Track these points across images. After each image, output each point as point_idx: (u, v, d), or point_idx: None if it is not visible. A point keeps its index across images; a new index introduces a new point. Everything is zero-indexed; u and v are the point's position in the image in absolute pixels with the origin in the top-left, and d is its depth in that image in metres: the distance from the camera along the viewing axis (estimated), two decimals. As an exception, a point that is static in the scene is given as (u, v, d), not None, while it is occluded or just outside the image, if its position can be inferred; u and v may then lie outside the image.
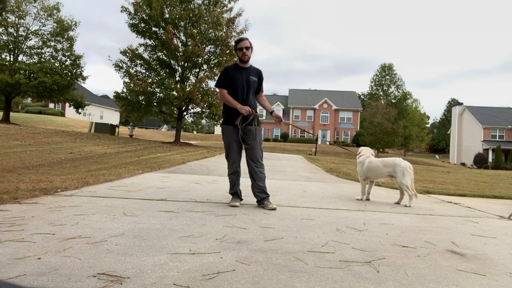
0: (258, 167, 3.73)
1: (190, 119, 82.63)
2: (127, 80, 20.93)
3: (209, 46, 21.56)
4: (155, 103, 21.95)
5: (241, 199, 3.81)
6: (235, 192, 3.79)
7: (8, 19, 23.11)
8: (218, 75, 3.78)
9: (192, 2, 21.11)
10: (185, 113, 22.82)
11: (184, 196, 4.01)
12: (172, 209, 3.24)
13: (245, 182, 4.03)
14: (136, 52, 21.04)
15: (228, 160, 3.83)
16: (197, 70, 22.04)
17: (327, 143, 51.93)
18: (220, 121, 22.22)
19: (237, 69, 3.75)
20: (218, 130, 65.24)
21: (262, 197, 3.66)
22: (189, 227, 2.60)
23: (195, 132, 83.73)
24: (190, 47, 19.75)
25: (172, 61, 21.53)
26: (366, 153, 4.82)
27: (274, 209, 3.52)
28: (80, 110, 27.85)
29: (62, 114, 47.77)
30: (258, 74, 3.84)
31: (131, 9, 20.50)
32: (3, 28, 23.30)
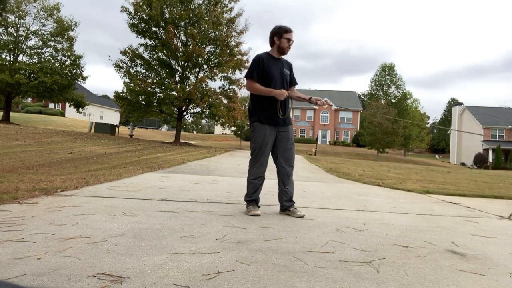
0: (291, 172, 3.44)
1: (190, 119, 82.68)
2: (127, 80, 20.96)
3: (209, 46, 21.57)
4: (155, 103, 21.97)
5: (259, 206, 3.39)
6: (255, 200, 3.35)
7: (8, 19, 23.10)
8: (250, 64, 3.36)
9: (192, 2, 21.12)
10: (185, 113, 22.83)
11: (184, 196, 4.01)
12: (172, 209, 3.23)
13: (242, 182, 4.01)
14: (136, 52, 21.06)
15: (254, 162, 3.35)
16: (197, 70, 22.05)
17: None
18: (221, 121, 22.28)
19: (271, 60, 3.35)
20: (218, 130, 65.19)
21: (289, 205, 3.35)
22: (189, 227, 2.60)
23: (195, 132, 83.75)
24: (190, 47, 19.76)
25: (172, 61, 21.56)
26: None
27: (302, 216, 3.20)
28: (80, 110, 27.84)
29: (62, 114, 47.77)
30: (290, 67, 3.52)
31: (131, 9, 20.53)
32: (3, 28, 23.29)
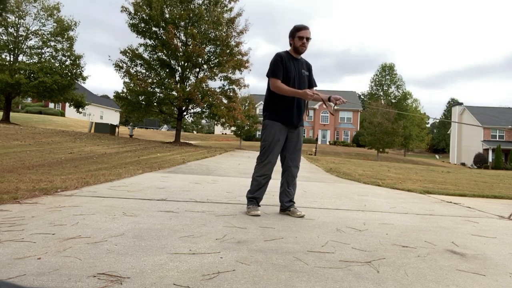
0: (296, 173, 3.41)
1: (190, 119, 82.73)
2: (127, 80, 20.95)
3: (209, 46, 21.57)
4: (155, 103, 21.96)
5: (259, 206, 3.36)
6: (257, 198, 3.31)
7: (8, 19, 23.10)
8: (271, 62, 3.26)
9: (192, 2, 21.11)
10: (185, 113, 22.82)
11: (184, 196, 4.01)
12: (172, 209, 3.23)
13: (242, 182, 4.02)
14: (136, 52, 21.05)
15: (262, 160, 3.30)
16: (197, 70, 22.05)
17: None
18: (221, 121, 22.27)
19: (290, 59, 3.29)
20: (218, 130, 65.16)
21: (289, 205, 3.34)
22: (189, 227, 2.60)
23: (195, 132, 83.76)
24: (190, 47, 19.76)
25: (172, 61, 21.55)
26: None
27: (302, 216, 3.20)
28: (80, 110, 27.84)
29: (62, 114, 47.76)
30: (308, 68, 3.48)
31: (131, 9, 20.52)
32: (3, 28, 23.28)
